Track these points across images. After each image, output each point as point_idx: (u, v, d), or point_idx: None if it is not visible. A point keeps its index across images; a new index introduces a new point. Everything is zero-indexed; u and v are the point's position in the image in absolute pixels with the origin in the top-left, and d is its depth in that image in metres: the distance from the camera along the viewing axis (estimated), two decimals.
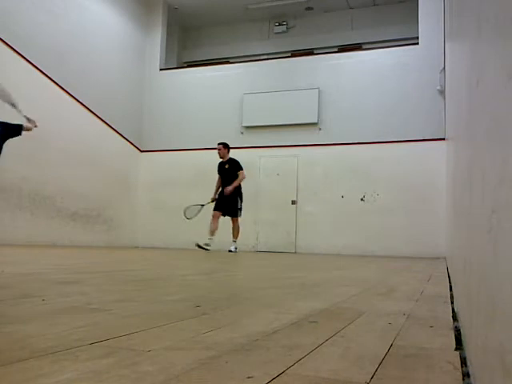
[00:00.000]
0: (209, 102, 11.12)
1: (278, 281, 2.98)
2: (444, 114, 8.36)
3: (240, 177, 8.36)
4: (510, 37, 0.47)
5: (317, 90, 10.36)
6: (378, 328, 1.31)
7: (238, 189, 8.41)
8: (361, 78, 10.18)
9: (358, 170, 9.87)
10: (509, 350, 0.45)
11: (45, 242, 8.67)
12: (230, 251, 8.34)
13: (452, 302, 1.99)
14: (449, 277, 3.58)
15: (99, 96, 10.12)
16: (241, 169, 8.42)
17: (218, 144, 8.56)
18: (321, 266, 5.22)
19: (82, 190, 9.54)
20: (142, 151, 11.47)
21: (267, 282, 2.92)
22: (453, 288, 2.52)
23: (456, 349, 1.07)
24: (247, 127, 10.82)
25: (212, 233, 8.13)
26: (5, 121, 6.09)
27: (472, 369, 0.83)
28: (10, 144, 6.22)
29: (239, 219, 8.43)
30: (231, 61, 12.34)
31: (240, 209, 8.38)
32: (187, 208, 8.54)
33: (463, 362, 0.95)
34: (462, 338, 1.16)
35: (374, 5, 12.09)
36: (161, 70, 11.75)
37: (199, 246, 8.10)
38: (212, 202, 8.42)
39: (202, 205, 8.44)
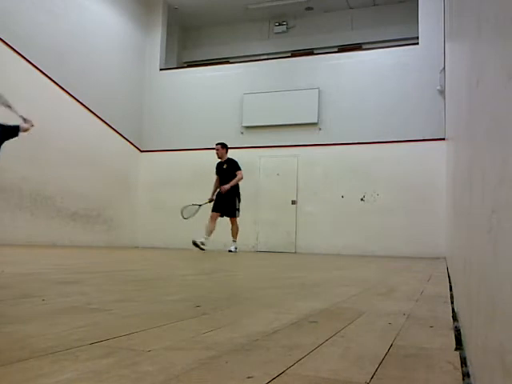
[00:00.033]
0: (209, 102, 11.12)
1: (277, 281, 2.98)
2: (444, 114, 8.37)
3: (238, 177, 8.35)
4: (510, 37, 0.47)
5: (317, 90, 10.36)
6: (377, 328, 1.31)
7: (236, 189, 8.39)
8: (361, 78, 10.19)
9: (357, 170, 9.87)
10: (509, 349, 0.45)
11: (45, 242, 8.67)
12: (230, 251, 8.34)
13: (452, 302, 1.99)
14: (449, 277, 3.58)
15: (99, 96, 10.12)
16: (239, 169, 8.41)
17: (216, 144, 8.54)
18: (321, 265, 5.22)
19: (82, 190, 9.54)
20: (142, 151, 11.47)
21: (267, 281, 2.92)
22: (453, 288, 2.52)
23: (456, 349, 1.07)
24: (247, 127, 10.83)
25: (209, 233, 8.11)
26: (1, 122, 6.06)
27: (472, 369, 0.83)
28: (10, 144, 6.21)
29: (237, 219, 8.42)
30: (231, 61, 12.35)
31: (238, 209, 8.38)
32: (184, 208, 8.53)
33: (463, 362, 0.95)
34: (462, 338, 1.16)
35: (374, 5, 12.09)
36: (161, 70, 11.75)
37: (195, 244, 8.04)
38: (209, 202, 8.40)
39: (200, 205, 8.43)
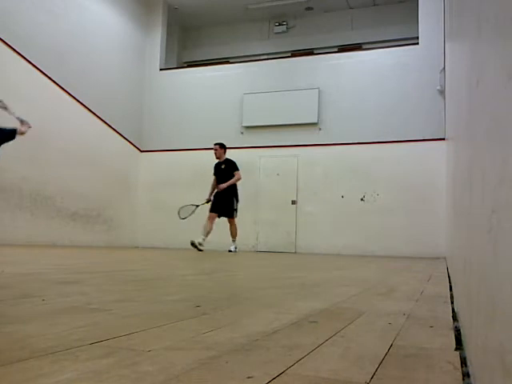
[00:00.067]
0: (209, 102, 11.12)
1: (277, 281, 2.98)
2: (444, 114, 8.37)
3: (236, 177, 8.33)
4: (510, 37, 0.47)
5: (317, 90, 10.36)
6: (377, 328, 1.31)
7: (234, 189, 8.36)
8: (361, 78, 10.19)
9: (357, 169, 9.87)
10: (509, 349, 0.45)
11: (45, 242, 8.67)
12: (230, 251, 8.34)
13: (452, 302, 1.99)
14: (449, 277, 3.58)
15: (99, 96, 10.12)
16: (237, 169, 8.38)
17: (215, 144, 8.51)
18: (321, 265, 5.22)
19: (81, 189, 9.54)
20: (142, 151, 11.47)
21: (267, 281, 2.92)
22: (453, 288, 2.52)
23: (456, 349, 1.07)
24: (247, 127, 10.83)
25: (206, 234, 8.10)
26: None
27: (472, 369, 0.83)
28: (10, 144, 6.20)
29: (235, 219, 8.41)
30: (231, 61, 12.34)
31: (236, 210, 8.36)
32: (182, 208, 8.53)
33: (463, 362, 0.95)
34: (462, 338, 1.16)
35: (374, 5, 12.09)
36: (161, 70, 11.75)
37: (193, 245, 8.02)
38: (207, 202, 8.38)
39: (197, 205, 8.42)
